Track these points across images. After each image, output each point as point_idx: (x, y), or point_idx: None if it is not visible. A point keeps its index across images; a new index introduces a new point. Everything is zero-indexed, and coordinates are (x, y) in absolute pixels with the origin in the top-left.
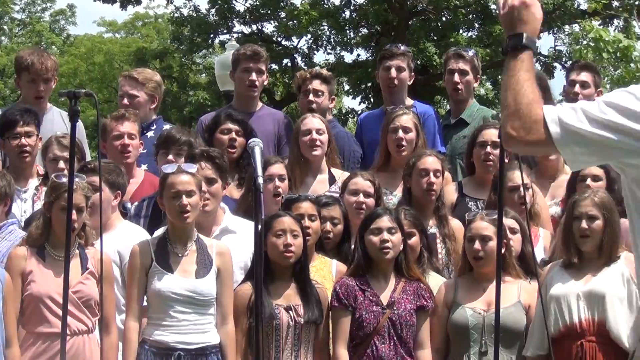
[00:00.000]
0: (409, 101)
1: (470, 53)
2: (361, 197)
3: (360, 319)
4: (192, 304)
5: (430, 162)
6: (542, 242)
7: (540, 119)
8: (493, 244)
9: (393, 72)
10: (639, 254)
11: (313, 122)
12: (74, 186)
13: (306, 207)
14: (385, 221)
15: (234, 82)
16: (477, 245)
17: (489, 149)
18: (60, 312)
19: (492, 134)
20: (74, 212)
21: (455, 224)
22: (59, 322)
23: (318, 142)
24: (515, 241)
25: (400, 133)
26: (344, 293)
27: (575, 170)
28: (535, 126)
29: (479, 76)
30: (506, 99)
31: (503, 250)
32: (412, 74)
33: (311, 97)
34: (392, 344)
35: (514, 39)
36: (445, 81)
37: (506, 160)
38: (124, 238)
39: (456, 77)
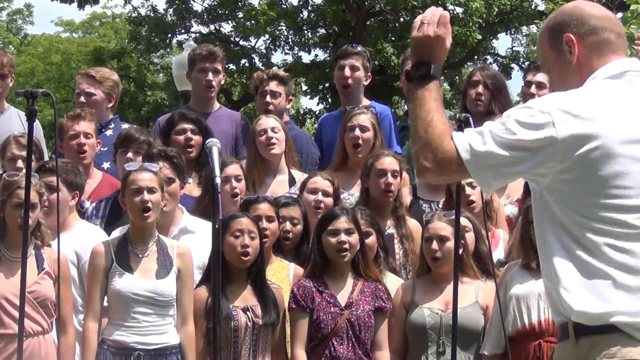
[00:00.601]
0: (365, 101)
1: None
2: (320, 196)
3: (318, 321)
4: (152, 305)
5: (388, 162)
6: (502, 243)
7: (453, 150)
8: (451, 244)
9: (347, 72)
10: (546, 258)
11: (268, 121)
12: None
13: (264, 208)
14: (342, 222)
15: (191, 83)
16: (435, 245)
17: None
18: (15, 313)
19: None
20: None
21: (413, 224)
22: (13, 323)
23: (274, 140)
24: (469, 239)
25: (358, 132)
26: (302, 295)
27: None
28: (447, 157)
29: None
30: (417, 130)
31: (461, 251)
32: (369, 74)
33: (268, 98)
34: (350, 345)
35: (422, 67)
36: (401, 82)
37: None
38: (81, 238)
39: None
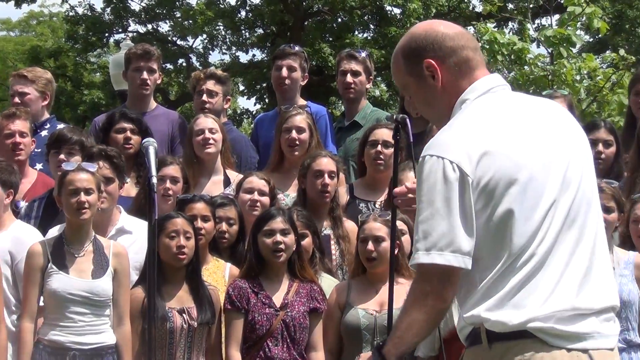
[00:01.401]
0: (302, 101)
1: (363, 54)
2: (256, 196)
3: (253, 322)
4: (88, 305)
5: (325, 163)
6: None
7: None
8: (386, 244)
9: (284, 72)
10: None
11: (206, 121)
12: None
13: (200, 207)
14: (278, 222)
15: (127, 82)
16: (371, 246)
17: (379, 147)
18: None
19: (383, 133)
20: None
21: (349, 225)
22: None
23: (211, 141)
24: (405, 242)
25: (294, 133)
26: (237, 295)
27: None
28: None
29: (371, 77)
30: (416, 320)
31: (396, 251)
32: (306, 74)
33: (205, 97)
34: (285, 346)
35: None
36: (337, 82)
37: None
38: (15, 238)
39: (348, 78)
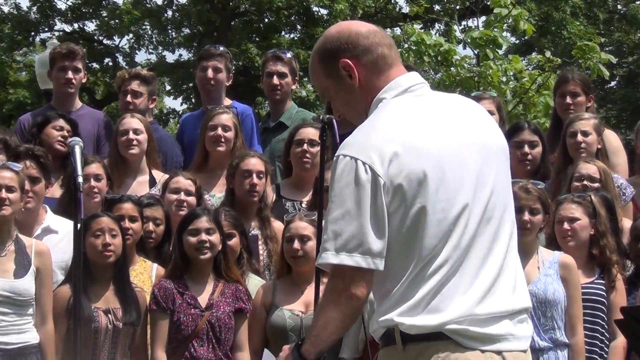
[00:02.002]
0: (227, 101)
1: (289, 55)
2: (182, 196)
3: (179, 322)
4: (10, 304)
5: (254, 163)
6: None
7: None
8: (312, 243)
9: (210, 73)
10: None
11: (131, 122)
12: None
13: (127, 207)
14: (203, 222)
15: (52, 81)
16: (296, 244)
17: (305, 146)
18: None
19: (309, 132)
20: None
21: (277, 225)
22: None
23: (135, 142)
24: None
25: (219, 130)
26: (162, 296)
27: None
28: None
29: (297, 78)
30: (331, 319)
31: None
32: (231, 75)
33: (129, 97)
34: (210, 346)
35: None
36: (263, 84)
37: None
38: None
39: (275, 80)
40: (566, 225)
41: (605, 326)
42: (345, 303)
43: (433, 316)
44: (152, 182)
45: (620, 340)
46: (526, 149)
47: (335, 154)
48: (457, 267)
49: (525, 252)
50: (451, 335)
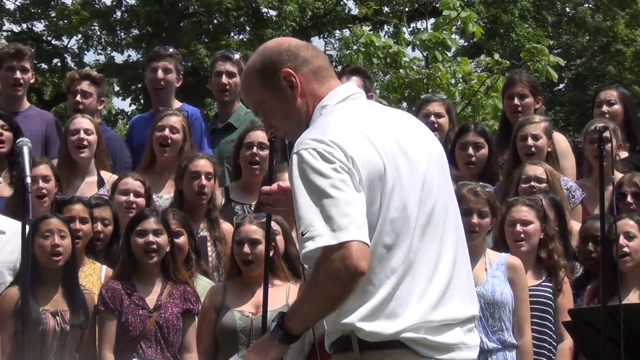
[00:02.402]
0: (177, 103)
1: (237, 56)
2: (131, 197)
3: (127, 323)
4: None
5: (202, 164)
6: None
7: (324, 249)
8: (262, 247)
9: (160, 74)
10: None
11: (82, 122)
12: None
13: (78, 209)
14: (151, 223)
15: None
16: (246, 248)
17: (255, 149)
18: None
19: (258, 136)
20: None
21: (226, 227)
22: None
23: (85, 143)
24: (279, 243)
25: (167, 131)
26: (110, 297)
27: None
28: (333, 252)
29: None
30: (322, 294)
31: (271, 253)
32: (181, 76)
33: (79, 97)
34: (158, 347)
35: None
36: (212, 84)
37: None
38: None
39: (223, 79)
40: (519, 228)
41: (553, 328)
42: (348, 278)
43: (391, 323)
44: (101, 183)
45: (567, 342)
46: (470, 150)
47: (294, 152)
48: (411, 270)
49: (473, 254)
50: (408, 343)
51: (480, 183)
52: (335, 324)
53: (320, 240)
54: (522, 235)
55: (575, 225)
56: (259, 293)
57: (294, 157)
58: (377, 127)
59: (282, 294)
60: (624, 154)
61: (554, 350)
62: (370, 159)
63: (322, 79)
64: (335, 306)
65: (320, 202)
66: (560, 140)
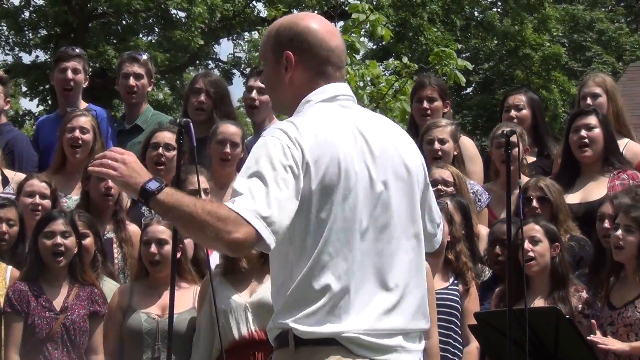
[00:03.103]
0: (83, 104)
1: (145, 56)
2: (37, 199)
3: (33, 325)
4: None
5: None
6: None
7: (236, 215)
8: (168, 247)
9: (69, 74)
10: (273, 272)
11: None
12: None
13: None
14: (59, 224)
15: None
16: (154, 248)
17: (161, 150)
18: None
19: (165, 136)
20: None
21: (133, 228)
22: None
23: None
24: (188, 245)
25: (77, 132)
26: (17, 298)
27: None
28: (238, 222)
29: (153, 80)
30: (199, 225)
31: (179, 255)
32: (88, 76)
33: None
34: (65, 350)
35: (144, 192)
36: (119, 85)
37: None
38: None
39: (131, 81)
40: None
41: (459, 331)
42: (220, 246)
43: (328, 324)
44: (5, 181)
45: (474, 346)
46: None
47: (262, 135)
48: (354, 282)
49: None
50: (343, 342)
51: None
52: (275, 322)
53: (239, 207)
54: None
55: (482, 229)
56: (166, 295)
57: (260, 139)
58: (348, 135)
59: (189, 297)
60: (531, 159)
61: (459, 353)
62: (328, 167)
63: (320, 77)
64: (191, 237)
65: (256, 185)
66: (468, 144)
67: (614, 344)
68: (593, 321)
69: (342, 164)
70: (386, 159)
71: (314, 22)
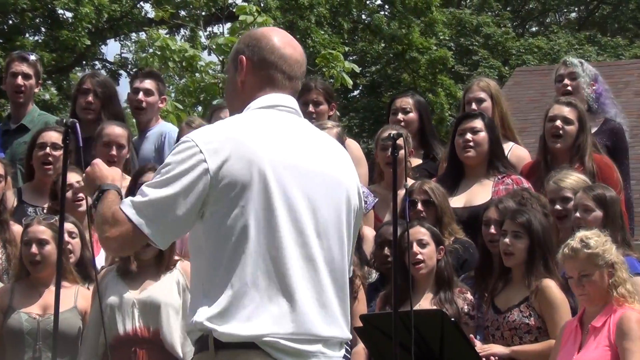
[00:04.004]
0: None
1: (33, 57)
2: None
3: None
4: None
5: None
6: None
7: (122, 215)
8: (50, 247)
9: None
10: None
11: None
12: None
13: None
14: None
15: None
16: (34, 249)
17: (48, 150)
18: None
19: (51, 136)
20: None
21: (17, 229)
22: None
23: None
24: (75, 245)
25: None
26: None
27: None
28: (119, 221)
29: (40, 81)
30: (99, 225)
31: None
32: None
33: None
34: None
35: (98, 192)
36: (6, 84)
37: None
38: None
39: (19, 81)
40: None
41: None
42: (102, 242)
43: (244, 325)
44: None
45: (361, 347)
46: None
47: (185, 135)
48: (276, 286)
49: None
50: (263, 346)
51: None
52: (194, 324)
53: (125, 207)
54: None
55: (368, 231)
56: (47, 295)
57: (182, 139)
58: (273, 143)
59: (71, 296)
60: (416, 161)
61: (347, 355)
62: (239, 173)
63: (269, 81)
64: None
65: (154, 182)
66: (353, 147)
67: (493, 348)
68: (471, 335)
69: (256, 171)
70: (315, 166)
71: (273, 32)
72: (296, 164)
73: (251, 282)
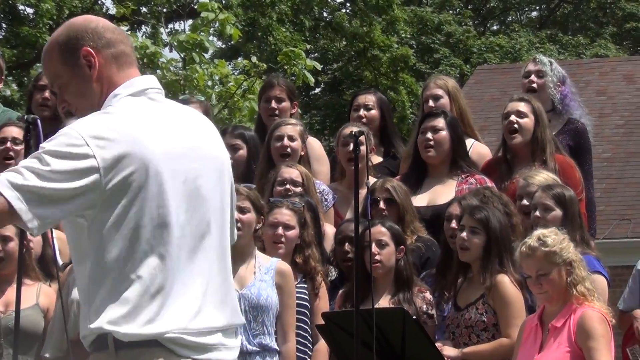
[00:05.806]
0: None
1: None
2: None
3: None
4: None
5: None
6: None
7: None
8: (13, 244)
9: None
10: (81, 276)
11: None
12: None
13: None
14: None
15: None
16: None
17: (9, 144)
18: None
19: (12, 131)
20: None
21: None
22: None
23: None
24: (35, 243)
25: None
26: None
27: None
28: None
29: (2, 77)
30: None
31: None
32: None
33: None
34: None
35: None
36: None
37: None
38: None
39: None
40: (280, 231)
41: (309, 330)
42: None
43: (149, 325)
44: None
45: (323, 344)
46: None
47: (66, 127)
48: (172, 279)
49: (242, 256)
50: (166, 343)
51: (243, 184)
52: (90, 328)
53: (4, 188)
54: (283, 239)
55: (328, 228)
56: (9, 292)
57: (60, 130)
58: (155, 129)
59: (33, 293)
60: (377, 159)
61: (309, 352)
62: (133, 166)
63: (122, 65)
64: None
65: (31, 169)
66: (315, 144)
67: (445, 350)
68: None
69: (150, 160)
70: (200, 152)
71: (90, 19)
72: (188, 146)
73: (149, 282)
